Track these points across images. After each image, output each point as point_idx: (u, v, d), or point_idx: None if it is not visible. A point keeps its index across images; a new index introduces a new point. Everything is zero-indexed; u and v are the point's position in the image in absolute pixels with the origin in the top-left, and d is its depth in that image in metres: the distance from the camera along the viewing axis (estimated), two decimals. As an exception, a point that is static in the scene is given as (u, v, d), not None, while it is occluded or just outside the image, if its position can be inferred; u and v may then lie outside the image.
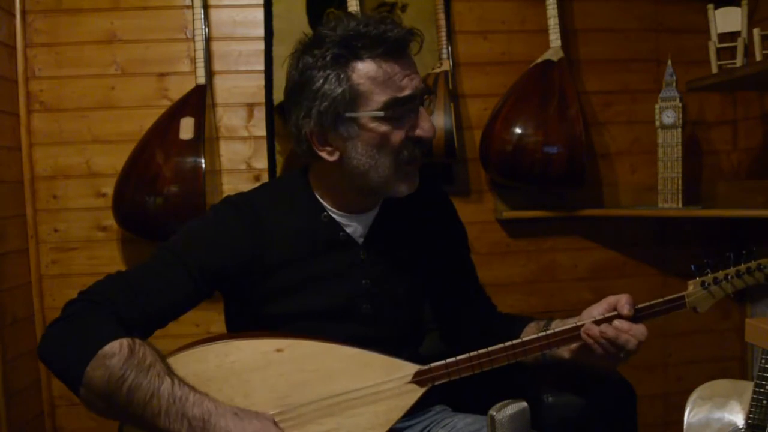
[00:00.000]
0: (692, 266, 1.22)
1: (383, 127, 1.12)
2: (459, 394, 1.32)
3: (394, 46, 1.12)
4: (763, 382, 1.52)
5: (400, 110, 1.12)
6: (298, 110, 1.16)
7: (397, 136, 1.13)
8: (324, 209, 1.24)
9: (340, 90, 1.11)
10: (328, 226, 1.24)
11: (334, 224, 1.24)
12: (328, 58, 1.11)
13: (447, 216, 1.40)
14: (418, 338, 1.39)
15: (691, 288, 1.21)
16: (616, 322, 1.15)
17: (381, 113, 1.11)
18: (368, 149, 1.13)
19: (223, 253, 1.18)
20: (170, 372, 1.02)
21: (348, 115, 1.12)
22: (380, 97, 1.11)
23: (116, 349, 1.00)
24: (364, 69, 1.11)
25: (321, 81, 1.12)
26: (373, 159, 1.14)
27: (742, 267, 1.21)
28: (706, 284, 1.21)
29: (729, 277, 1.20)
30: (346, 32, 1.11)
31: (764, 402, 1.52)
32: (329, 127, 1.14)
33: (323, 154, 1.17)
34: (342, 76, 1.11)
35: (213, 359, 1.08)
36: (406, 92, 1.12)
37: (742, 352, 2.35)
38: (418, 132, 1.14)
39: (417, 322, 1.37)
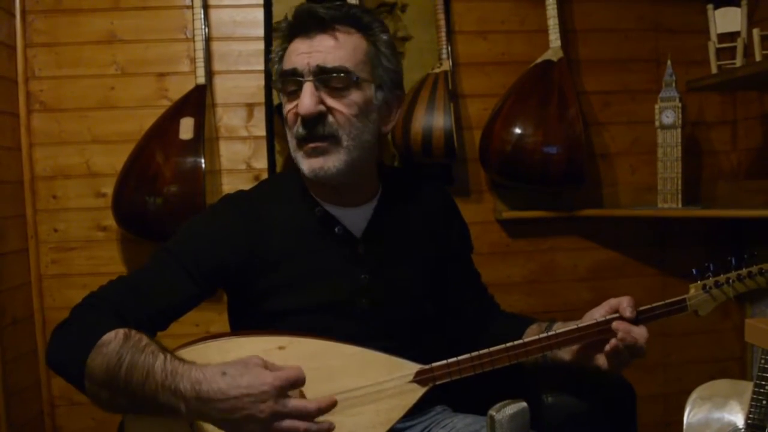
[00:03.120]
0: (693, 270, 1.22)
1: (283, 101, 1.21)
2: (459, 394, 1.32)
3: (303, 25, 1.18)
4: (763, 382, 1.52)
5: (284, 84, 1.18)
6: None
7: (288, 110, 1.19)
8: (317, 204, 1.25)
9: (277, 64, 1.23)
10: (322, 220, 1.24)
11: (329, 218, 1.25)
12: (277, 37, 1.28)
13: (449, 213, 1.40)
14: (420, 336, 1.39)
15: (692, 291, 1.21)
16: (636, 330, 1.15)
17: (276, 85, 1.22)
18: (285, 123, 1.22)
19: (221, 249, 1.19)
20: (164, 349, 1.02)
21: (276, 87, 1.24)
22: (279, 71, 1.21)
23: (112, 337, 1.02)
24: (288, 47, 1.21)
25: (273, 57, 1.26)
26: (287, 133, 1.22)
27: (744, 271, 1.20)
28: (707, 287, 1.20)
29: (730, 280, 1.20)
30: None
31: (764, 402, 1.52)
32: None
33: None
34: (279, 50, 1.23)
35: (215, 356, 1.08)
36: (288, 67, 1.17)
37: (742, 352, 2.35)
38: (297, 108, 1.16)
39: (418, 319, 1.37)
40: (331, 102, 1.15)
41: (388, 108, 1.25)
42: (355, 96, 1.18)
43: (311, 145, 1.16)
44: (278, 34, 1.24)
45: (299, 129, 1.16)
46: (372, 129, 1.21)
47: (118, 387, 0.99)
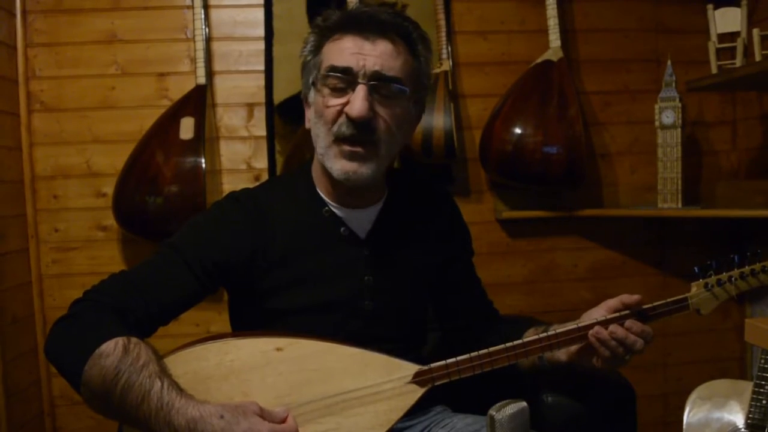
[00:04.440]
0: (695, 268, 1.21)
1: (321, 94, 1.17)
2: (459, 394, 1.32)
3: (361, 25, 1.15)
4: (763, 382, 1.52)
5: (333, 80, 1.15)
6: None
7: (331, 106, 1.16)
8: (325, 204, 1.25)
9: (310, 53, 1.21)
10: (329, 221, 1.24)
11: (335, 219, 1.25)
12: (313, 27, 1.22)
13: (452, 218, 1.40)
14: (421, 338, 1.39)
15: (694, 290, 1.20)
16: (627, 323, 1.15)
17: (318, 78, 1.17)
18: (315, 117, 1.19)
19: (225, 247, 1.18)
20: (162, 373, 1.01)
21: (311, 79, 1.20)
22: (325, 64, 1.17)
23: (111, 348, 1.00)
24: (332, 40, 1.18)
25: (304, 44, 1.23)
26: (317, 128, 1.19)
27: (747, 269, 1.19)
28: (709, 286, 1.19)
29: (733, 279, 1.19)
30: (337, 11, 1.21)
31: (763, 402, 1.52)
32: (307, 92, 1.23)
33: (306, 121, 1.25)
34: (317, 42, 1.20)
35: (212, 358, 1.08)
36: (342, 63, 1.14)
37: (742, 352, 2.35)
38: (347, 108, 1.14)
39: (419, 321, 1.37)
40: (378, 109, 1.15)
41: (414, 124, 1.28)
42: (399, 108, 1.19)
43: (352, 148, 1.15)
44: (322, 25, 1.19)
45: (343, 128, 1.14)
46: (400, 141, 1.22)
47: (113, 402, 0.99)
